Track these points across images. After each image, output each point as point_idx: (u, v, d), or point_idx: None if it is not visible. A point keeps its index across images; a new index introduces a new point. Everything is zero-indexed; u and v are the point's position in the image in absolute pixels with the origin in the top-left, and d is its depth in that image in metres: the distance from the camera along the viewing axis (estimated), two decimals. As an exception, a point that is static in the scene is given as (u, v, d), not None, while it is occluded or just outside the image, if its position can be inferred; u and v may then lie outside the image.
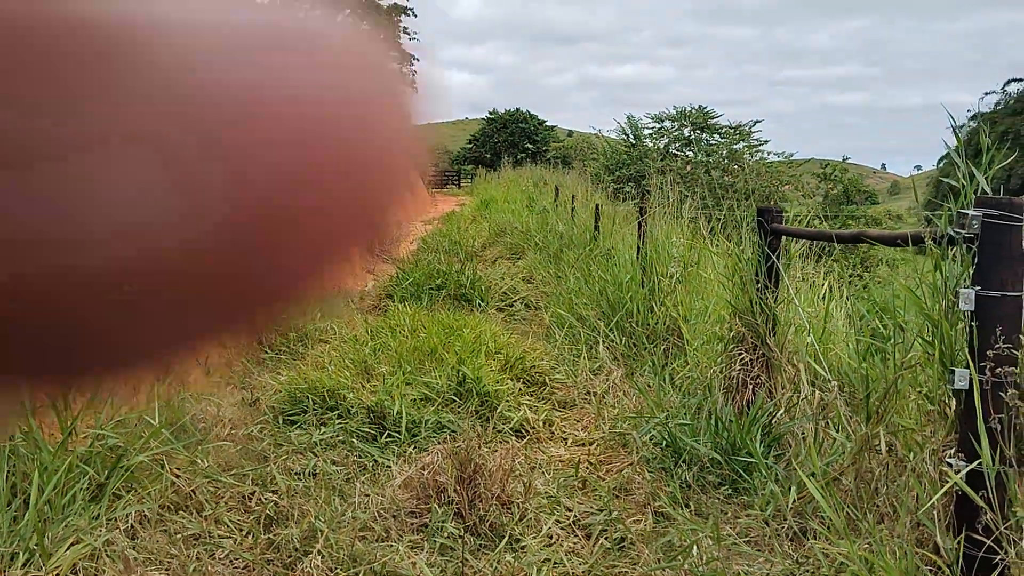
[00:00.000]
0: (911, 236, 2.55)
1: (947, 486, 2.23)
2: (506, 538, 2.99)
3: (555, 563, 2.85)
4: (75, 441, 3.07)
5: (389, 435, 4.05)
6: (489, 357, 5.32)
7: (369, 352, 5.28)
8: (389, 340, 5.58)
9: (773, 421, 3.72)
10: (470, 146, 54.82)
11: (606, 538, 3.06)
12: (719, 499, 3.36)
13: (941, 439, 2.42)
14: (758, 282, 4.01)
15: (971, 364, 2.21)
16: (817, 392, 3.56)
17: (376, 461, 3.75)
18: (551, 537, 3.08)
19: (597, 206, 10.02)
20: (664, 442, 3.81)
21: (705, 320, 5.22)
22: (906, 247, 2.66)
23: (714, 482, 3.47)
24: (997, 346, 2.16)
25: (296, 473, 3.56)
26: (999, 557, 2.18)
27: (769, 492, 3.13)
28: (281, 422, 4.21)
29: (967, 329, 2.26)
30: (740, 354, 4.19)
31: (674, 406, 4.25)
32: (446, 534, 2.99)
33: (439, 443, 3.83)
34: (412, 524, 3.09)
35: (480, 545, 2.99)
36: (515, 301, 8.80)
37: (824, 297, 4.34)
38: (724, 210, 5.10)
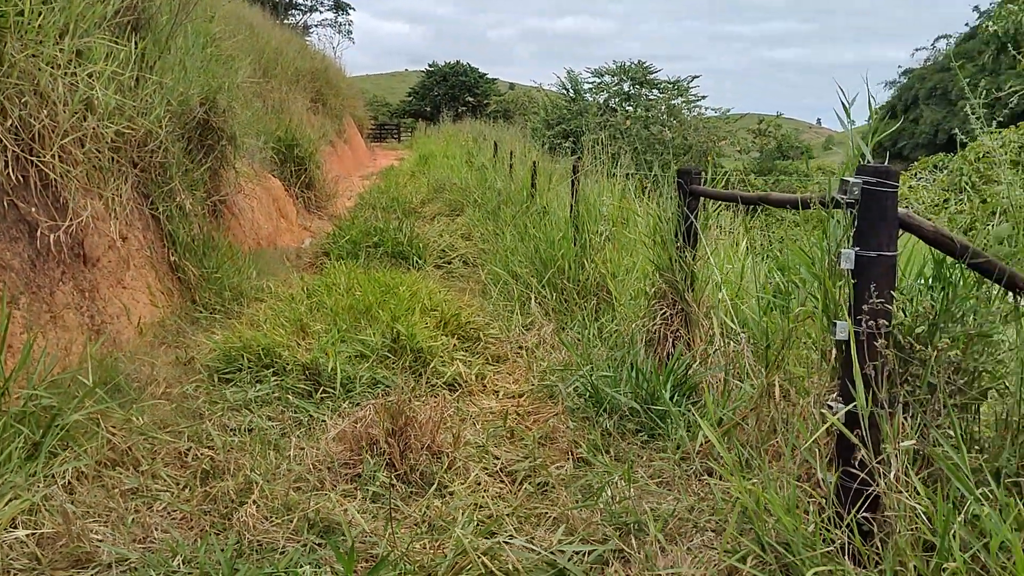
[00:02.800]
0: (802, 200, 2.77)
1: (825, 426, 2.48)
2: (435, 485, 3.17)
3: (481, 506, 3.04)
4: (8, 401, 3.13)
5: (324, 391, 4.18)
6: (425, 314, 5.46)
7: (305, 310, 5.36)
8: (325, 298, 5.67)
9: (690, 371, 3.96)
10: (410, 99, 54.00)
11: (530, 483, 3.27)
12: (637, 445, 3.59)
13: (825, 385, 2.67)
14: (678, 241, 4.21)
15: (849, 317, 2.44)
16: (730, 344, 3.81)
17: (311, 416, 3.88)
18: (479, 483, 3.28)
19: (534, 163, 10.14)
20: (588, 393, 4.03)
21: (632, 277, 5.44)
22: (804, 210, 2.87)
23: (633, 429, 3.71)
24: (872, 301, 2.39)
25: (232, 429, 3.68)
26: (871, 488, 2.44)
27: (680, 437, 3.37)
28: (216, 380, 4.30)
29: (848, 286, 2.48)
30: (661, 309, 4.42)
31: (601, 359, 4.47)
32: (378, 483, 3.16)
33: (373, 398, 3.98)
34: (346, 475, 3.25)
35: (411, 492, 3.17)
36: (453, 258, 8.93)
37: (742, 254, 4.58)
38: (660, 167, 5.28)
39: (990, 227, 2.93)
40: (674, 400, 3.72)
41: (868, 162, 2.55)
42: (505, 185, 11.22)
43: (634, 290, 5.28)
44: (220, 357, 4.48)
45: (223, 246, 6.35)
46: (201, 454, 3.35)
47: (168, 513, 2.93)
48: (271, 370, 4.34)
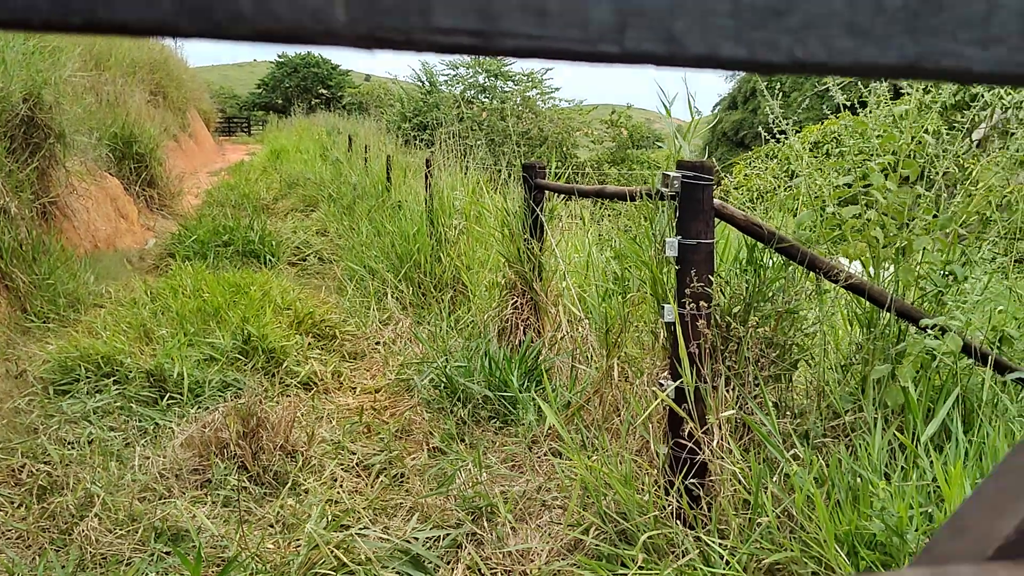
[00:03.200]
0: (631, 193, 2.96)
1: (656, 402, 2.68)
2: (289, 484, 3.16)
3: (336, 502, 3.07)
4: None
5: (172, 398, 4.05)
6: (278, 314, 5.37)
7: (148, 315, 5.15)
8: (170, 301, 5.45)
9: (539, 358, 4.13)
10: (259, 91, 52.06)
11: (386, 475, 3.32)
12: (491, 431, 3.72)
13: (658, 364, 2.88)
14: (525, 233, 4.37)
15: (674, 301, 2.65)
16: (577, 329, 4.00)
17: (157, 424, 3.75)
18: (335, 479, 3.29)
19: (388, 157, 10.10)
20: (442, 384, 4.11)
21: (486, 269, 5.57)
22: (636, 201, 3.07)
23: (486, 416, 3.83)
24: (693, 285, 2.61)
25: (70, 443, 3.50)
26: (698, 456, 2.66)
27: (530, 422, 3.52)
28: (52, 393, 4.07)
29: (672, 272, 2.69)
30: (512, 299, 4.56)
31: (458, 350, 4.56)
32: (229, 487, 3.11)
33: (224, 402, 3.89)
34: (195, 481, 3.18)
35: (264, 493, 3.15)
36: (308, 255, 8.77)
37: (589, 245, 4.80)
38: (511, 160, 5.41)
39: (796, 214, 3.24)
40: (524, 386, 3.87)
41: (689, 157, 2.77)
42: (360, 179, 11.10)
43: (488, 282, 5.41)
44: (55, 368, 4.24)
45: (55, 250, 5.97)
46: (37, 470, 3.18)
47: (2, 533, 2.77)
48: (112, 379, 4.16)
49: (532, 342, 4.22)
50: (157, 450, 3.41)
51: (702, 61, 0.28)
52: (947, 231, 2.83)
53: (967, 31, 0.28)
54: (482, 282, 5.54)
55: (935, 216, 2.95)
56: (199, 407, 3.96)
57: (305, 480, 3.24)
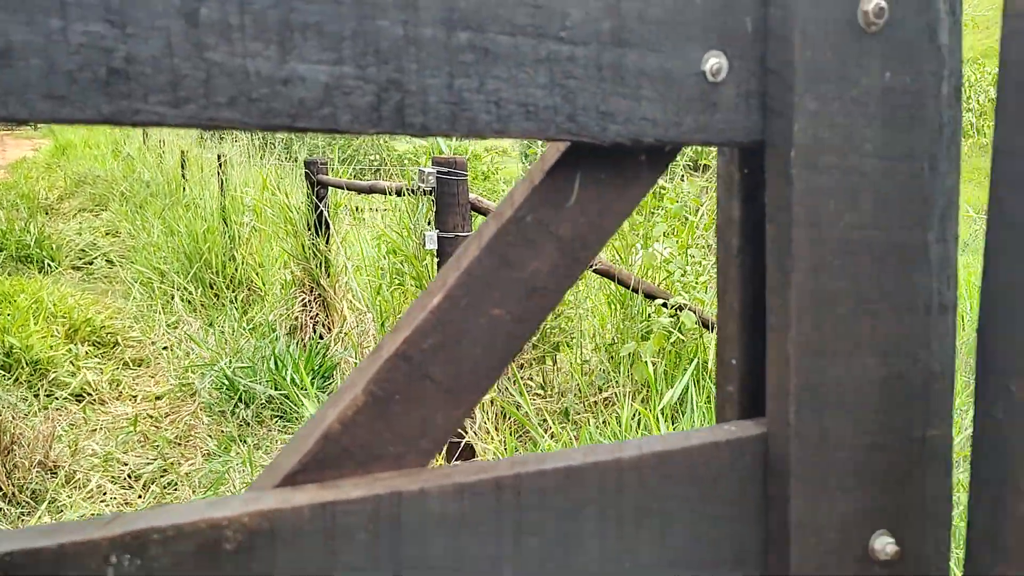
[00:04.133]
0: (397, 188, 3.05)
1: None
2: (47, 501, 2.99)
3: (99, 515, 2.93)
4: None
5: (-87, 420, 3.68)
6: (51, 322, 5.00)
7: None
8: (-82, 314, 4.93)
9: (328, 353, 4.13)
10: (47, 80, 47.59)
11: (157, 484, 3.22)
12: (275, 430, 3.68)
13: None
14: (310, 229, 4.35)
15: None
16: (362, 323, 4.05)
17: None
18: (104, 492, 3.15)
19: (183, 152, 9.63)
20: (224, 386, 4.02)
21: (278, 267, 5.47)
22: (401, 196, 3.16)
23: (270, 416, 3.79)
24: (451, 276, 2.74)
25: None
26: (463, 440, 2.80)
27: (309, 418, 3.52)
28: None
29: (434, 263, 2.81)
30: (301, 296, 4.53)
31: (249, 351, 4.46)
32: (-24, 510, 2.90)
33: (-24, 420, 3.59)
34: (-64, 507, 2.93)
35: (20, 513, 2.96)
36: (95, 258, 8.20)
37: (375, 239, 4.84)
38: (335, 152, 5.34)
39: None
40: (314, 383, 3.87)
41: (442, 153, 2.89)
42: (154, 176, 10.49)
43: (283, 280, 5.33)
44: None
45: None
46: None
47: None
48: None
49: (321, 338, 4.22)
50: None
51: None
52: (679, 218, 3.14)
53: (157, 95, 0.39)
54: (276, 280, 5.44)
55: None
56: (-54, 428, 3.63)
57: (68, 496, 3.07)
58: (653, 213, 3.45)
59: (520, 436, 2.94)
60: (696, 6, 0.51)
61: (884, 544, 0.58)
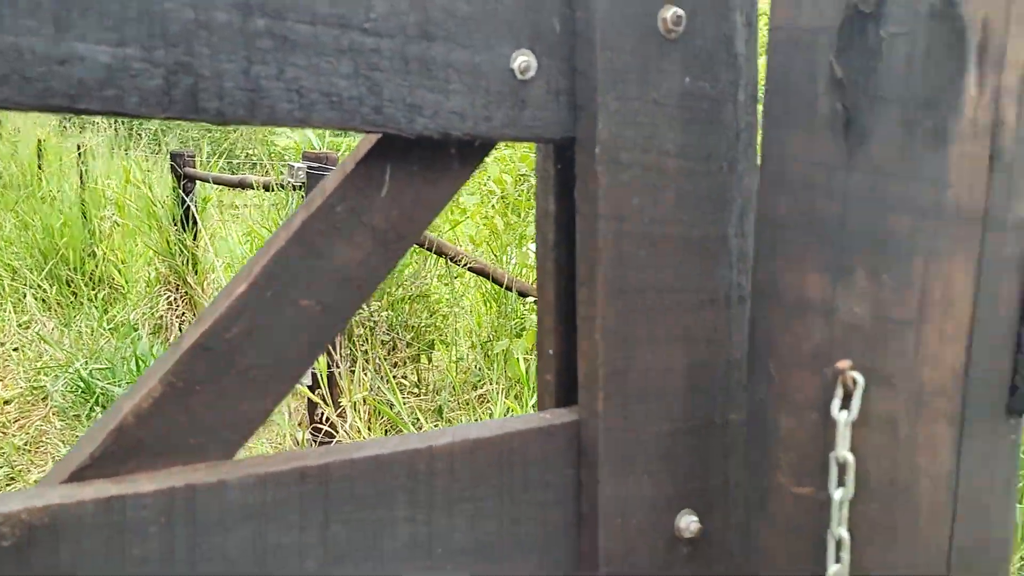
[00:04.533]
0: (266, 183, 2.96)
1: (298, 392, 2.73)
2: None
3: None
4: None
5: None
6: None
7: None
8: None
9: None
10: None
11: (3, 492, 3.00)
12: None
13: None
14: (176, 225, 4.16)
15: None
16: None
17: None
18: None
19: (40, 141, 9.00)
20: (80, 389, 3.80)
21: (142, 263, 5.21)
22: (271, 191, 3.07)
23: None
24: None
25: None
26: (335, 440, 2.75)
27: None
28: None
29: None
30: (167, 294, 4.33)
31: (110, 351, 4.22)
32: None
33: None
34: None
35: None
36: (-64, 255, 7.56)
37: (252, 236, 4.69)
38: (206, 144, 5.10)
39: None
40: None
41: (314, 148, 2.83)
42: (7, 166, 9.76)
43: (147, 277, 5.08)
44: None
45: None
46: None
47: None
48: None
49: (187, 338, 4.05)
50: None
51: None
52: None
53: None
54: (140, 278, 5.18)
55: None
56: None
57: None
58: (528, 213, 3.51)
59: (392, 435, 2.93)
60: (505, 5, 0.52)
61: (688, 522, 0.61)
